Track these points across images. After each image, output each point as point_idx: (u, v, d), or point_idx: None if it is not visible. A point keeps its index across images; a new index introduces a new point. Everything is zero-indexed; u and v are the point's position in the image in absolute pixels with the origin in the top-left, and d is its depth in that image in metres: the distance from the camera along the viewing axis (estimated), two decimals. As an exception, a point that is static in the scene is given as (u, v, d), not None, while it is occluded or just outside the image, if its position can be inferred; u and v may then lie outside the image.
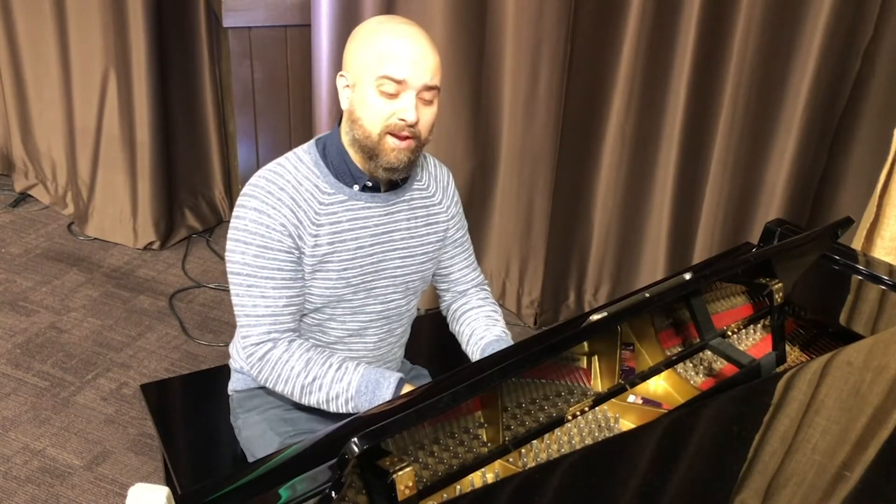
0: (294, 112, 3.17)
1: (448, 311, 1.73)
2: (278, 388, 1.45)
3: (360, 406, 1.39)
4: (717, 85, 2.54)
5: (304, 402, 1.44)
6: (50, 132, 3.41)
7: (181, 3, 3.11)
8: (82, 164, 3.26)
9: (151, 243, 3.24)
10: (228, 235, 1.42)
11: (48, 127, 3.41)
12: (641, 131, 2.67)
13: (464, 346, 1.67)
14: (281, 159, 1.46)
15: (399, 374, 1.41)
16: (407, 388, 1.39)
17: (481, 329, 1.63)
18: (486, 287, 1.73)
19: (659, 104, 2.62)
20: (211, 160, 3.43)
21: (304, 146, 1.48)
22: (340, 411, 1.42)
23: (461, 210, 1.65)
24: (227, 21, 2.90)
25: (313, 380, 1.41)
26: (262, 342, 1.42)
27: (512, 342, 1.60)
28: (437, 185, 1.59)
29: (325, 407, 1.43)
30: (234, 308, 1.43)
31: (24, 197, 3.55)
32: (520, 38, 2.54)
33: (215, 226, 3.47)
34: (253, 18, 2.92)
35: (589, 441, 1.30)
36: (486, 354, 1.57)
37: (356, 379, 1.39)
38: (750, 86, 2.46)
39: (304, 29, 2.90)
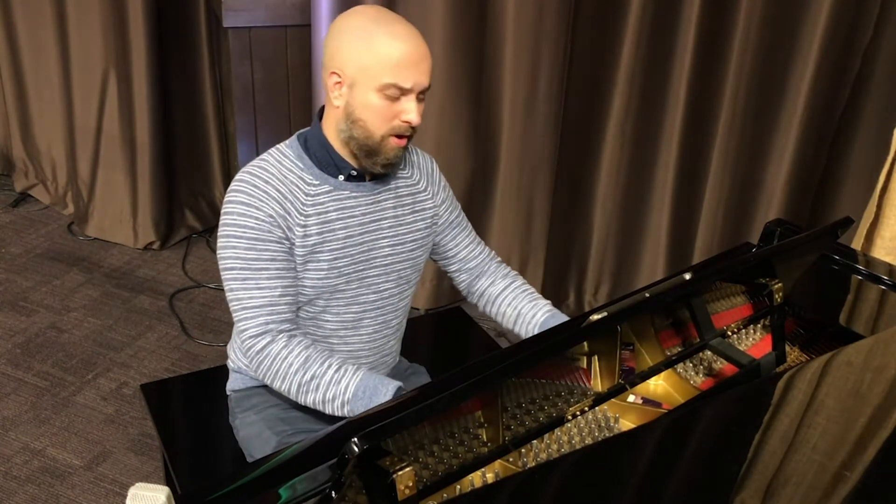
0: (294, 112, 3.17)
1: (471, 292, 1.72)
2: (275, 385, 1.43)
3: (355, 411, 1.36)
4: (717, 85, 2.54)
5: (301, 401, 1.43)
6: (50, 132, 3.41)
7: (181, 3, 3.11)
8: (82, 164, 3.26)
9: (151, 243, 3.24)
10: (219, 233, 1.43)
11: (48, 127, 3.41)
12: (641, 131, 2.67)
13: (510, 326, 1.65)
14: (264, 155, 1.48)
15: (398, 383, 1.38)
16: None
17: (527, 306, 1.63)
18: (499, 258, 1.73)
19: (659, 104, 2.62)
20: (211, 160, 3.43)
21: (286, 142, 1.50)
22: (336, 414, 1.40)
23: (451, 192, 1.67)
24: (227, 21, 2.90)
25: (311, 378, 1.39)
26: (260, 334, 1.41)
27: (562, 313, 1.61)
28: (422, 173, 1.60)
29: (320, 408, 1.42)
30: (231, 304, 1.43)
31: (24, 197, 3.55)
32: (520, 38, 2.54)
33: (215, 226, 3.46)
34: (253, 18, 2.92)
35: (589, 441, 1.30)
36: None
37: (354, 383, 1.37)
38: (750, 86, 2.46)
39: (304, 29, 2.90)
